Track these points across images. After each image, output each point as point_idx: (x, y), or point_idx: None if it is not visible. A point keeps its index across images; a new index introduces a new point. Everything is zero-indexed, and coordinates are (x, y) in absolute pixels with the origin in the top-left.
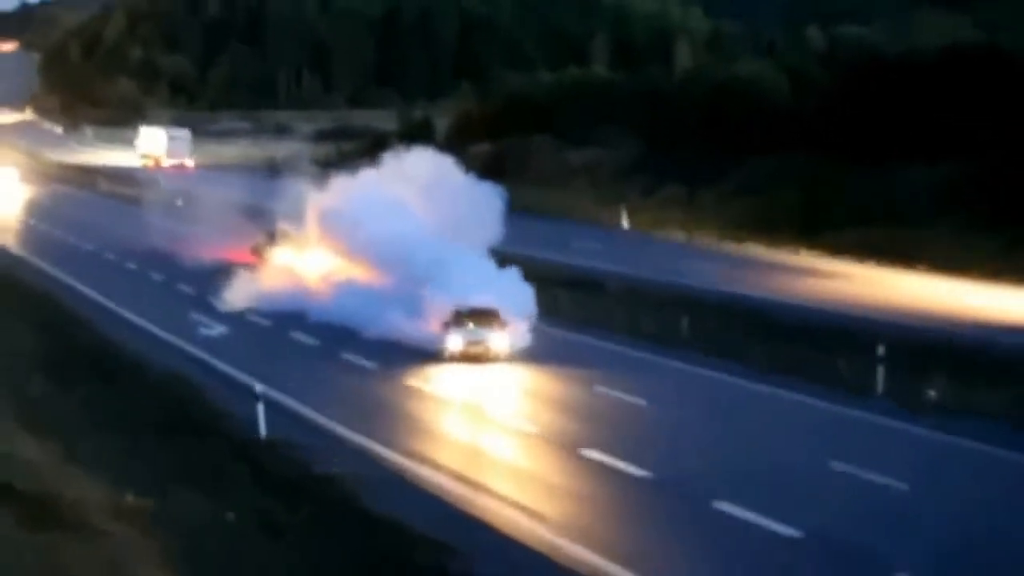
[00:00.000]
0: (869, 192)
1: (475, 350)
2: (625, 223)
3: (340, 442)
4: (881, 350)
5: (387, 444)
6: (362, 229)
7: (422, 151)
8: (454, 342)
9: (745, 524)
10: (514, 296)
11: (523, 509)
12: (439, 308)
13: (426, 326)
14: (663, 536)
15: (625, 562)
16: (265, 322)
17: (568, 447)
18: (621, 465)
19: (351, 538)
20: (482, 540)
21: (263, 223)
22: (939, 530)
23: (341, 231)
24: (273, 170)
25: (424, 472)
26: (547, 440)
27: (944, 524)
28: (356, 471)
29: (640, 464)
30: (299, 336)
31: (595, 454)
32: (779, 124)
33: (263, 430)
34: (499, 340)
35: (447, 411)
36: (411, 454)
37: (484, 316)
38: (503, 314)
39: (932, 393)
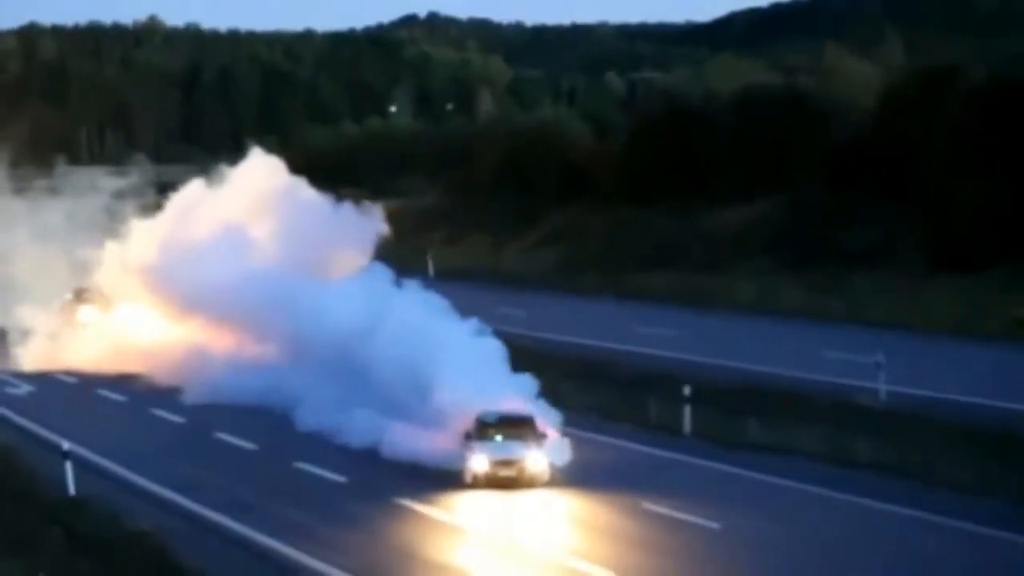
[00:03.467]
0: (674, 236)
1: (506, 473)
2: (431, 271)
3: (146, 495)
4: (687, 391)
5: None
6: (203, 276)
7: (258, 157)
8: (478, 462)
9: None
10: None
11: None
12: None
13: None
14: None
15: None
16: (71, 380)
17: None
18: None
19: None
20: None
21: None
22: (751, 566)
23: (165, 280)
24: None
25: None
26: None
27: (755, 560)
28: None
29: None
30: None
31: None
32: (582, 170)
33: (72, 488)
34: (536, 459)
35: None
36: None
37: (516, 426)
38: (539, 422)
39: (740, 431)
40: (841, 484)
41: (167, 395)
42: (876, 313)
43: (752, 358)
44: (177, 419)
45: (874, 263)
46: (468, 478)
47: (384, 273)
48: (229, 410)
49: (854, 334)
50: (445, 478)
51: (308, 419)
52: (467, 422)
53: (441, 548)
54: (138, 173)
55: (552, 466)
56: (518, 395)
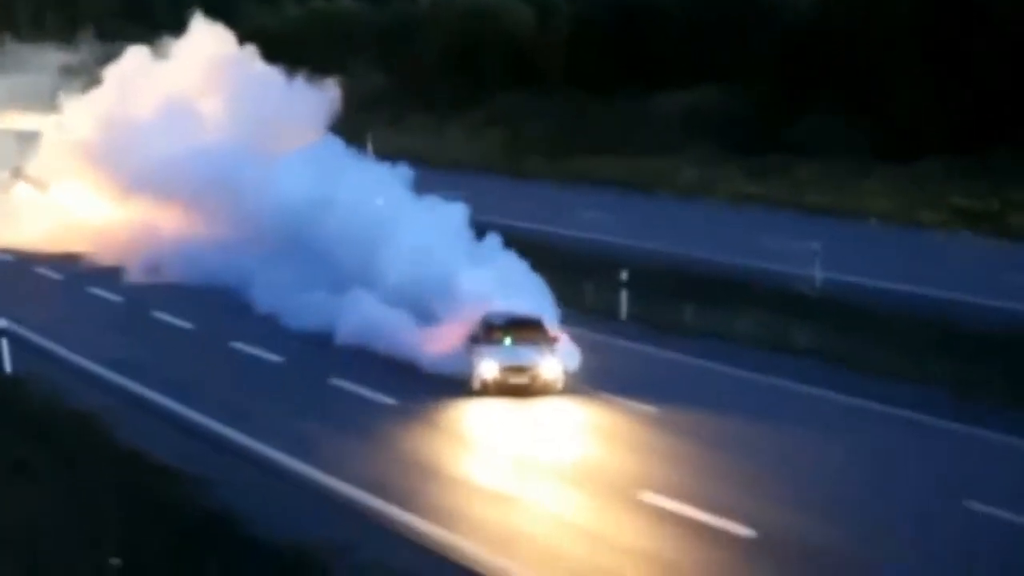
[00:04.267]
0: (619, 121)
1: (518, 380)
2: (371, 152)
3: (81, 372)
4: (624, 275)
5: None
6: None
7: (203, 27)
8: (488, 368)
9: None
10: (522, 284)
11: None
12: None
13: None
14: None
15: None
16: (7, 258)
17: None
18: None
19: (102, 474)
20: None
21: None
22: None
23: (107, 158)
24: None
25: None
26: None
27: (690, 444)
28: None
29: None
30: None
31: None
32: (526, 55)
33: (8, 366)
34: (551, 365)
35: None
36: None
37: (526, 329)
38: (548, 325)
39: (678, 316)
40: (777, 370)
41: (106, 275)
42: (816, 201)
43: (692, 244)
44: (115, 298)
45: (817, 152)
46: (476, 384)
47: (337, 146)
48: (169, 290)
49: (794, 222)
50: (392, 364)
51: (259, 299)
52: (473, 325)
53: (370, 421)
54: (87, 50)
55: (566, 373)
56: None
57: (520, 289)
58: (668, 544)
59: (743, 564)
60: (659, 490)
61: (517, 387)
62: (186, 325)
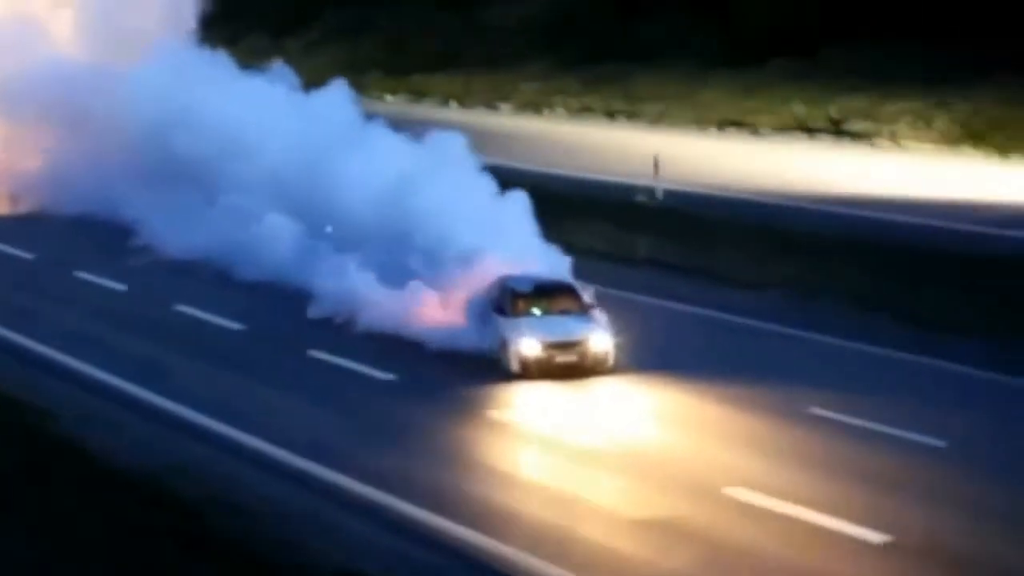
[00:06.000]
0: (457, 35)
1: (565, 358)
2: None
3: None
4: None
5: None
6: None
7: None
8: (529, 345)
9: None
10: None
11: None
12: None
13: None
14: None
15: None
16: None
17: None
18: None
19: None
20: None
21: None
22: None
23: None
24: None
25: None
26: None
27: None
28: None
29: None
30: None
31: None
32: None
33: None
34: (600, 338)
35: None
36: None
37: (558, 296)
38: (580, 292)
39: None
40: (621, 282)
41: None
42: (657, 110)
43: (533, 159)
44: None
45: (657, 60)
46: (514, 365)
47: (194, 55)
48: (18, 221)
49: (633, 132)
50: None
51: (138, 224)
52: (492, 290)
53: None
54: None
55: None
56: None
57: (520, 244)
58: None
59: None
60: None
61: (565, 366)
62: (26, 255)
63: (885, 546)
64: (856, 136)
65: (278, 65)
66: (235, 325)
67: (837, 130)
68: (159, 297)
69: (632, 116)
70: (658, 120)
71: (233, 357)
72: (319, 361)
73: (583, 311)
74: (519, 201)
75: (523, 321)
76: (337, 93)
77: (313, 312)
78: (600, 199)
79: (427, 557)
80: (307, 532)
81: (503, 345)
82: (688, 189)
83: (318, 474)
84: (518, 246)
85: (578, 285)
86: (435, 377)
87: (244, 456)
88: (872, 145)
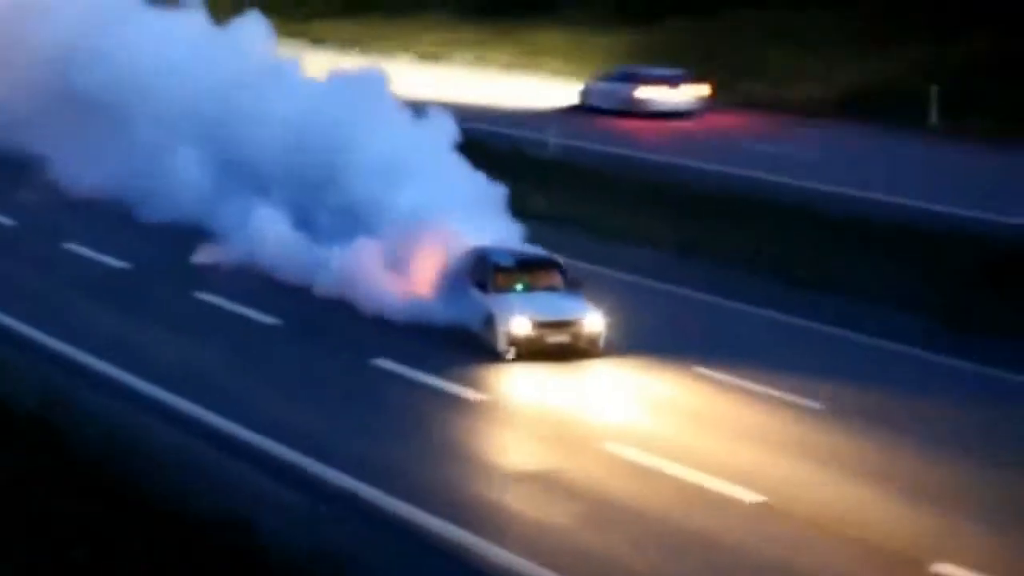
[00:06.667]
0: None
1: (557, 338)
2: None
3: None
4: None
5: None
6: None
7: None
8: (519, 324)
9: None
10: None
11: None
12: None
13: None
14: None
15: None
16: None
17: None
18: None
19: None
20: None
21: None
22: None
23: None
24: None
25: None
26: None
27: None
28: None
29: None
30: None
31: None
32: None
33: None
34: (594, 318)
35: None
36: None
37: (542, 271)
38: (565, 268)
39: None
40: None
41: None
42: (553, 64)
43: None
44: None
45: (554, 13)
46: (503, 348)
47: None
48: None
49: (530, 85)
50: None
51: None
52: (470, 265)
53: (98, 283)
54: None
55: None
56: None
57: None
58: None
59: None
60: None
61: (556, 347)
62: None
63: (758, 505)
64: (751, 97)
65: None
66: (121, 264)
67: (730, 89)
68: (48, 234)
69: (529, 69)
70: (557, 73)
71: (116, 297)
72: (204, 303)
73: (572, 288)
74: (444, 134)
75: (510, 298)
76: (251, 26)
77: (206, 256)
78: (493, 150)
79: (302, 501)
80: (188, 475)
81: (488, 322)
82: (579, 143)
83: (192, 412)
84: (455, 193)
85: (557, 259)
86: (321, 323)
87: (120, 395)
88: None
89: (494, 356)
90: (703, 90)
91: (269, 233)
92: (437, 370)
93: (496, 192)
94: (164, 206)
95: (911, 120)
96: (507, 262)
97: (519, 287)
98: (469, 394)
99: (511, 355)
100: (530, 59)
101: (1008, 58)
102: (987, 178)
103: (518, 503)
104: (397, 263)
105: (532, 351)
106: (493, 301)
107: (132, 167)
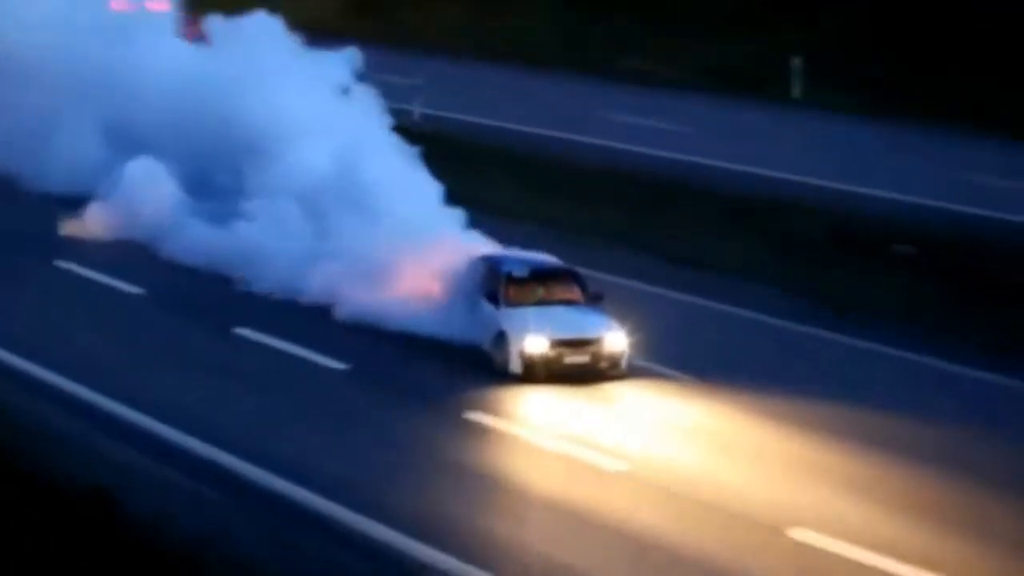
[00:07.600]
0: None
1: (576, 359)
2: None
3: None
4: None
5: None
6: None
7: None
8: (535, 343)
9: None
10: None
11: None
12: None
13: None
14: None
15: None
16: None
17: None
18: None
19: None
20: None
21: None
22: None
23: None
24: None
25: None
26: None
27: None
28: None
29: None
30: None
31: None
32: None
33: None
34: (615, 337)
35: None
36: None
37: (558, 283)
38: (576, 278)
39: None
40: None
41: None
42: (427, 39)
43: None
44: None
45: None
46: (515, 367)
47: None
48: None
49: (401, 59)
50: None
51: None
52: (480, 273)
53: None
54: None
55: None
56: None
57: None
58: None
59: None
60: None
61: (575, 368)
62: None
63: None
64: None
65: None
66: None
67: (606, 65)
68: None
69: (403, 43)
70: (429, 48)
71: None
72: (66, 271)
73: (589, 302)
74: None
75: (524, 313)
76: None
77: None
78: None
79: (178, 478)
80: (54, 447)
81: (500, 340)
82: (446, 114)
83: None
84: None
85: (576, 270)
86: (180, 292)
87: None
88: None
89: (504, 377)
90: None
91: (148, 191)
92: (295, 337)
93: (391, 140)
94: (49, 176)
95: (777, 95)
96: (520, 272)
97: (535, 300)
98: (328, 361)
99: (517, 369)
100: (399, 32)
101: (881, 37)
102: (840, 151)
103: (366, 471)
104: (387, 268)
105: (550, 373)
106: (505, 316)
107: (14, 135)
